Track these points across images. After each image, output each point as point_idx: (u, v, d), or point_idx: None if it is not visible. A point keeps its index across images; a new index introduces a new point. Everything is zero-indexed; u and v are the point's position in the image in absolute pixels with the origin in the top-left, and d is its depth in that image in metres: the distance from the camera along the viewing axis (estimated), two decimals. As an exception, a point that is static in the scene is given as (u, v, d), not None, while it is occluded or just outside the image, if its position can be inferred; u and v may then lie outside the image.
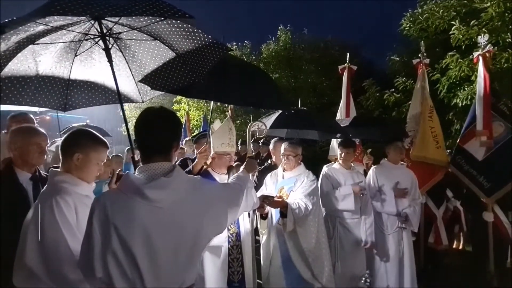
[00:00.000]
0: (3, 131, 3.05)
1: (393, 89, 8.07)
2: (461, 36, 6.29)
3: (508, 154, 3.84)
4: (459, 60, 6.40)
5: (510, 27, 6.02)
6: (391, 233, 3.54)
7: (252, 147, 2.57)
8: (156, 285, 1.24)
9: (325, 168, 3.61)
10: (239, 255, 2.50)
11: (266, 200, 2.69)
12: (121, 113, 2.40)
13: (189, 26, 1.97)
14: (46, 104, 2.38)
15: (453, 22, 6.54)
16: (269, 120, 3.71)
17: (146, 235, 1.22)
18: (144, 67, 2.42)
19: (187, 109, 12.50)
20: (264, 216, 2.95)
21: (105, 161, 1.76)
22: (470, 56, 6.07)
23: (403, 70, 8.32)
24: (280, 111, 3.72)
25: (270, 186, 3.08)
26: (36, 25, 1.78)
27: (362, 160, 4.97)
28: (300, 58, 12.65)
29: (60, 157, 1.67)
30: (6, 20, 1.61)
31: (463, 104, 6.35)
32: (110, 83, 2.50)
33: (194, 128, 11.91)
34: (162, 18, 1.89)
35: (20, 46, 1.93)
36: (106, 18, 1.95)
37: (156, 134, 1.35)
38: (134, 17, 1.93)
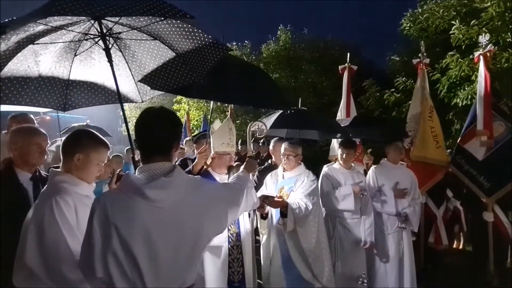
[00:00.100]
0: (3, 131, 3.05)
1: (393, 89, 8.06)
2: (461, 36, 6.29)
3: (508, 154, 3.84)
4: (459, 60, 6.39)
5: (510, 26, 6.02)
6: (391, 233, 3.54)
7: (252, 147, 2.57)
8: (157, 285, 1.24)
9: (325, 168, 3.61)
10: (239, 255, 2.50)
11: (266, 200, 2.69)
12: (121, 113, 2.40)
13: (189, 26, 1.97)
14: (46, 104, 2.38)
15: (453, 22, 6.54)
16: (269, 120, 3.71)
17: (147, 235, 1.22)
18: (144, 67, 2.42)
19: (187, 109, 12.50)
20: (264, 216, 2.95)
21: (105, 162, 1.76)
22: (470, 56, 6.09)
23: (403, 70, 8.32)
24: (280, 111, 3.72)
25: (270, 186, 3.08)
26: (36, 25, 1.78)
27: (362, 160, 4.97)
28: (300, 58, 12.64)
29: (61, 157, 1.67)
30: (6, 20, 1.60)
31: (463, 104, 6.35)
32: (110, 83, 2.50)
33: (194, 128, 11.91)
34: (163, 18, 1.89)
35: (20, 46, 1.93)
36: (106, 18, 1.95)
37: (156, 134, 1.35)
38: (134, 17, 1.93)
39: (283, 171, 3.06)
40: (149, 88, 2.54)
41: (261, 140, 6.05)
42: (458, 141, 4.37)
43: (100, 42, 2.07)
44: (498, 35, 5.96)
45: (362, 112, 8.02)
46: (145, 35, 2.17)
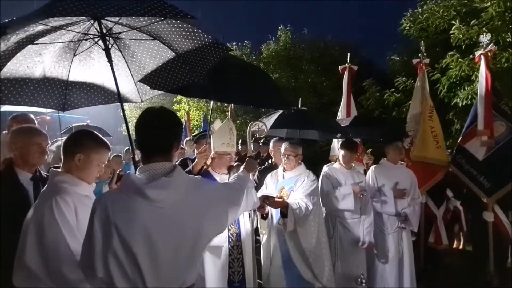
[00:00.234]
0: (4, 132, 3.05)
1: (393, 89, 8.06)
2: (461, 36, 6.29)
3: (509, 154, 3.83)
4: (459, 59, 6.39)
5: (510, 26, 6.02)
6: (390, 233, 3.54)
7: (252, 147, 2.57)
8: (157, 285, 1.24)
9: (325, 168, 3.60)
10: (239, 255, 2.50)
11: (267, 200, 2.69)
12: (121, 113, 2.40)
13: (189, 26, 1.97)
14: (45, 104, 2.38)
15: (453, 22, 6.54)
16: (270, 120, 3.71)
17: (147, 235, 1.22)
18: (144, 67, 2.42)
19: (187, 109, 12.51)
20: (264, 216, 2.95)
21: (106, 162, 1.76)
22: (471, 56, 6.09)
23: (403, 70, 8.32)
24: (280, 111, 3.72)
25: (271, 186, 3.08)
26: (36, 25, 1.78)
27: (363, 160, 4.97)
28: (300, 58, 12.64)
29: (62, 157, 1.67)
30: (6, 20, 1.60)
31: (463, 103, 6.35)
32: (109, 83, 2.50)
33: (194, 128, 11.92)
34: (163, 18, 1.89)
35: (19, 46, 1.93)
36: (106, 18, 1.95)
37: (157, 134, 1.35)
38: (134, 17, 1.93)
39: (283, 171, 3.06)
40: (148, 88, 2.54)
41: (261, 140, 6.05)
42: (458, 141, 4.37)
43: (100, 42, 2.07)
44: (498, 35, 5.96)
45: (362, 112, 8.02)
46: (144, 35, 2.17)
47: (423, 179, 4.11)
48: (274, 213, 2.89)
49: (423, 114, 4.39)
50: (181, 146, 4.83)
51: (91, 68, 2.41)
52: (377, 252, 3.52)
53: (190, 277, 1.37)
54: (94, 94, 2.57)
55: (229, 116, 6.92)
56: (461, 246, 5.46)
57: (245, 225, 2.57)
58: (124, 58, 2.39)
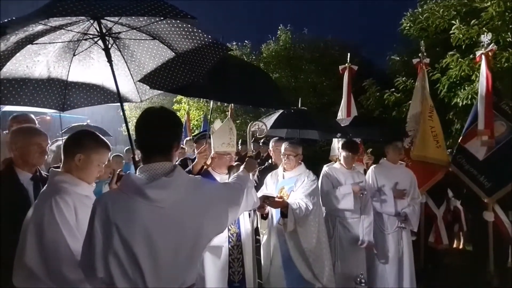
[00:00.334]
0: (4, 132, 3.05)
1: (393, 89, 8.06)
2: (461, 36, 6.29)
3: (509, 154, 3.83)
4: (460, 59, 6.40)
5: (511, 26, 6.02)
6: (390, 233, 3.54)
7: (252, 147, 2.56)
8: (157, 285, 1.24)
9: (325, 168, 3.60)
10: (239, 255, 2.50)
11: (267, 200, 2.69)
12: (121, 113, 2.40)
13: (189, 25, 1.97)
14: (45, 104, 2.37)
15: (453, 22, 6.54)
16: (270, 120, 3.71)
17: (147, 235, 1.22)
18: (143, 66, 2.41)
19: (187, 109, 12.51)
20: (264, 216, 2.95)
21: (106, 163, 1.76)
22: (471, 56, 6.09)
23: (403, 70, 8.32)
24: (280, 111, 3.72)
25: (271, 186, 3.08)
26: (35, 25, 1.78)
27: (363, 159, 4.97)
28: (300, 58, 12.64)
29: (62, 157, 1.68)
30: (6, 20, 1.60)
31: (464, 103, 6.35)
32: (109, 83, 2.50)
33: (195, 128, 11.92)
34: (162, 18, 1.89)
35: (19, 46, 1.93)
36: (105, 18, 1.95)
37: (157, 134, 1.35)
38: (134, 17, 1.93)
39: (283, 171, 3.06)
40: (148, 87, 2.53)
41: (261, 140, 6.05)
42: (459, 140, 4.37)
43: (100, 42, 2.06)
44: (498, 35, 5.96)
45: (362, 112, 8.02)
46: (144, 34, 2.17)
47: (423, 179, 4.10)
48: (274, 213, 2.89)
49: (423, 114, 4.39)
50: (181, 146, 4.83)
51: (90, 68, 2.41)
52: (377, 252, 3.52)
53: (190, 277, 1.37)
54: (93, 94, 2.57)
55: (229, 116, 6.92)
56: (461, 246, 5.46)
57: (245, 225, 2.57)
58: (123, 58, 2.39)
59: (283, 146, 3.04)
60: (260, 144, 6.29)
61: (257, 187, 2.92)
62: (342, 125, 4.29)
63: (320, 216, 2.97)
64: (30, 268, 1.47)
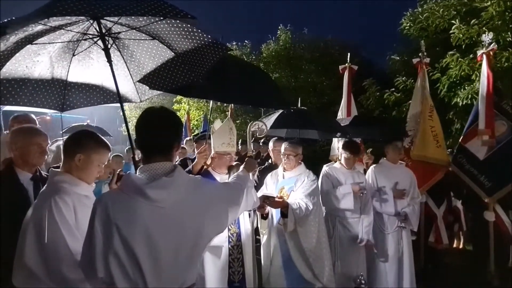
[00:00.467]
0: (5, 132, 3.05)
1: (393, 89, 8.06)
2: (461, 35, 6.29)
3: (510, 154, 3.83)
4: (460, 59, 6.40)
5: (511, 26, 6.02)
6: (390, 233, 3.54)
7: (252, 146, 2.56)
8: (158, 285, 1.24)
9: (325, 167, 3.60)
10: (239, 255, 2.50)
11: (267, 200, 2.68)
12: (121, 113, 2.39)
13: (189, 25, 1.96)
14: (44, 104, 2.37)
15: (453, 21, 6.54)
16: (270, 120, 3.71)
17: (148, 235, 1.22)
18: (143, 66, 2.41)
19: (187, 109, 12.51)
20: (264, 216, 2.95)
21: (106, 163, 1.76)
22: (471, 55, 6.10)
23: (403, 70, 8.32)
24: (280, 111, 3.72)
25: (271, 186, 3.07)
26: (35, 25, 1.78)
27: (362, 159, 4.97)
28: (300, 57, 12.64)
29: (62, 157, 1.68)
30: (5, 20, 1.60)
31: (464, 103, 6.35)
32: (108, 83, 2.50)
33: (195, 128, 11.92)
34: (162, 18, 1.89)
35: (18, 46, 1.92)
36: (105, 18, 1.95)
37: (157, 134, 1.35)
38: (133, 17, 1.93)
39: (283, 171, 3.05)
40: (147, 88, 2.53)
41: (261, 140, 6.05)
42: (460, 140, 4.36)
43: (99, 42, 2.06)
44: (498, 34, 5.96)
45: (362, 112, 8.02)
46: (144, 34, 2.16)
47: (423, 178, 4.10)
48: (274, 213, 2.89)
49: (423, 114, 4.39)
50: (182, 146, 4.84)
51: (90, 68, 2.41)
52: (377, 251, 3.52)
53: (191, 277, 1.37)
54: (93, 94, 2.57)
55: (229, 116, 6.93)
56: (460, 246, 5.46)
57: (245, 225, 2.57)
58: (123, 58, 2.39)
59: (283, 146, 3.04)
60: (260, 144, 6.29)
61: (257, 187, 2.92)
62: (342, 124, 4.29)
63: (320, 216, 2.97)
64: (30, 268, 1.47)
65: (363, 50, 14.05)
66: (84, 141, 1.67)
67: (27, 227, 1.51)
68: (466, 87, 6.40)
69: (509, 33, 6.00)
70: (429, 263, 4.33)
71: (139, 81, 2.46)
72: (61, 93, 2.42)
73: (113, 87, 2.23)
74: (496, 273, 3.80)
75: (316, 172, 3.20)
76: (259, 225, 3.04)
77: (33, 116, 3.03)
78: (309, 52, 12.77)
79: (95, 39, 2.09)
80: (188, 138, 6.28)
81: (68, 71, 2.35)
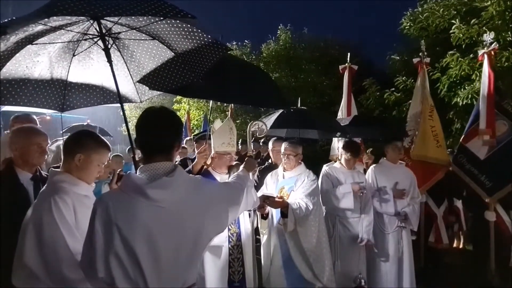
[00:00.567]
0: (5, 132, 3.05)
1: (394, 88, 8.07)
2: (461, 35, 6.29)
3: (510, 154, 3.81)
4: (460, 59, 6.40)
5: (511, 25, 6.02)
6: (390, 233, 3.54)
7: (252, 146, 2.56)
8: (158, 285, 1.24)
9: (325, 167, 3.60)
10: (239, 255, 2.50)
11: (267, 200, 2.68)
12: (121, 113, 2.39)
13: (188, 25, 1.96)
14: (44, 104, 2.37)
15: (453, 21, 6.54)
16: (270, 120, 3.71)
17: (148, 235, 1.22)
18: (143, 67, 2.41)
19: (187, 109, 12.51)
20: (264, 216, 2.95)
21: (105, 163, 1.76)
22: (471, 55, 6.09)
23: (404, 69, 8.32)
24: (280, 111, 3.72)
25: (271, 185, 3.07)
26: (35, 25, 1.78)
27: (363, 159, 4.97)
28: (300, 57, 12.64)
29: (62, 157, 1.68)
30: (6, 20, 1.60)
31: (464, 103, 6.36)
32: (108, 83, 2.50)
33: (195, 128, 11.92)
34: (162, 18, 1.89)
35: (19, 46, 1.92)
36: (105, 18, 1.95)
37: (157, 134, 1.35)
38: (133, 17, 1.92)
39: (283, 171, 3.05)
40: (147, 88, 2.53)
41: (261, 140, 6.05)
42: (460, 140, 4.36)
43: (99, 42, 2.06)
44: (498, 34, 5.95)
45: (362, 112, 8.03)
46: (144, 35, 2.16)
47: (423, 178, 4.10)
48: (274, 213, 2.89)
49: (423, 113, 4.39)
50: (183, 145, 4.84)
51: (90, 68, 2.41)
52: (377, 251, 3.51)
53: (191, 277, 1.37)
54: (93, 94, 2.57)
55: (229, 116, 6.93)
56: (461, 246, 5.45)
57: (245, 225, 2.57)
58: (123, 58, 2.39)
59: (283, 146, 3.04)
60: (260, 144, 6.29)
61: (257, 187, 2.92)
62: (342, 124, 4.29)
63: (320, 216, 2.97)
64: (30, 268, 1.47)
65: (363, 50, 14.09)
66: (84, 141, 1.67)
67: (27, 227, 1.51)
68: (466, 87, 6.40)
69: (509, 32, 6.00)
70: (429, 263, 4.33)
71: (139, 81, 2.46)
72: (61, 93, 2.42)
73: (113, 87, 2.23)
74: (496, 273, 3.79)
75: (316, 172, 3.20)
76: (259, 225, 3.04)
77: (34, 116, 3.03)
78: (309, 52, 12.78)
79: (95, 39, 2.09)
80: (188, 138, 6.28)
81: (68, 71, 2.35)
